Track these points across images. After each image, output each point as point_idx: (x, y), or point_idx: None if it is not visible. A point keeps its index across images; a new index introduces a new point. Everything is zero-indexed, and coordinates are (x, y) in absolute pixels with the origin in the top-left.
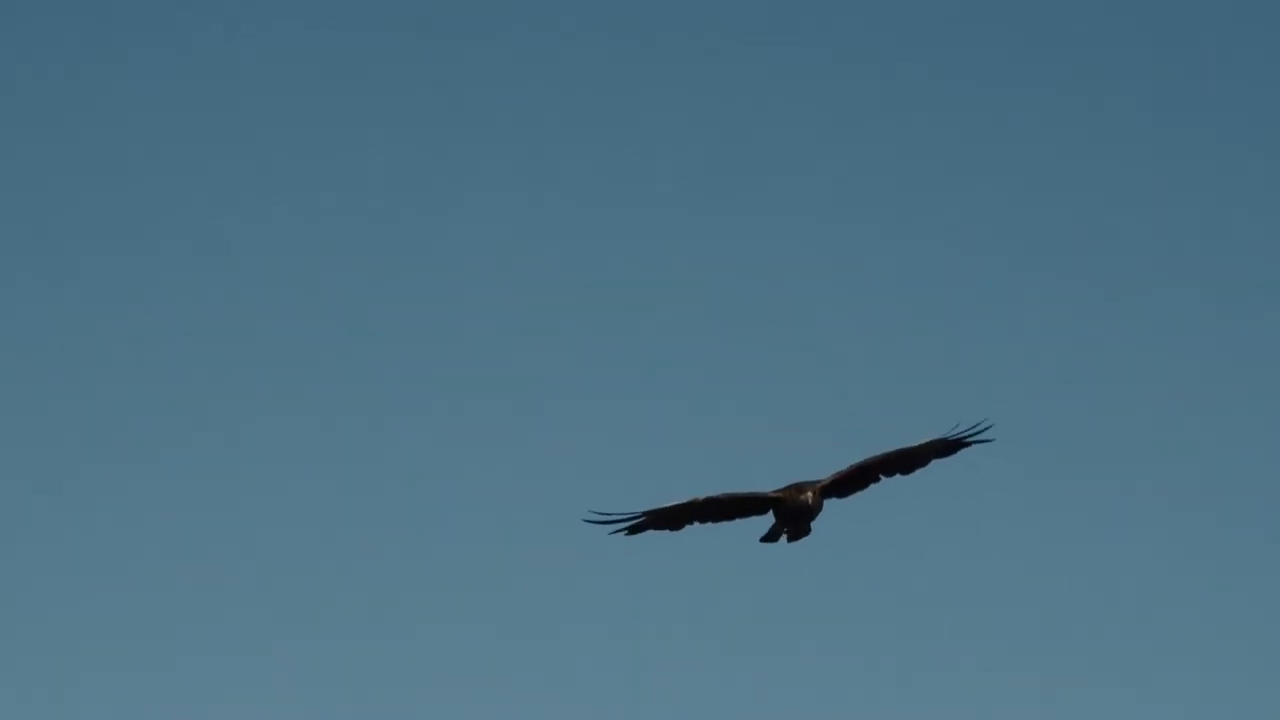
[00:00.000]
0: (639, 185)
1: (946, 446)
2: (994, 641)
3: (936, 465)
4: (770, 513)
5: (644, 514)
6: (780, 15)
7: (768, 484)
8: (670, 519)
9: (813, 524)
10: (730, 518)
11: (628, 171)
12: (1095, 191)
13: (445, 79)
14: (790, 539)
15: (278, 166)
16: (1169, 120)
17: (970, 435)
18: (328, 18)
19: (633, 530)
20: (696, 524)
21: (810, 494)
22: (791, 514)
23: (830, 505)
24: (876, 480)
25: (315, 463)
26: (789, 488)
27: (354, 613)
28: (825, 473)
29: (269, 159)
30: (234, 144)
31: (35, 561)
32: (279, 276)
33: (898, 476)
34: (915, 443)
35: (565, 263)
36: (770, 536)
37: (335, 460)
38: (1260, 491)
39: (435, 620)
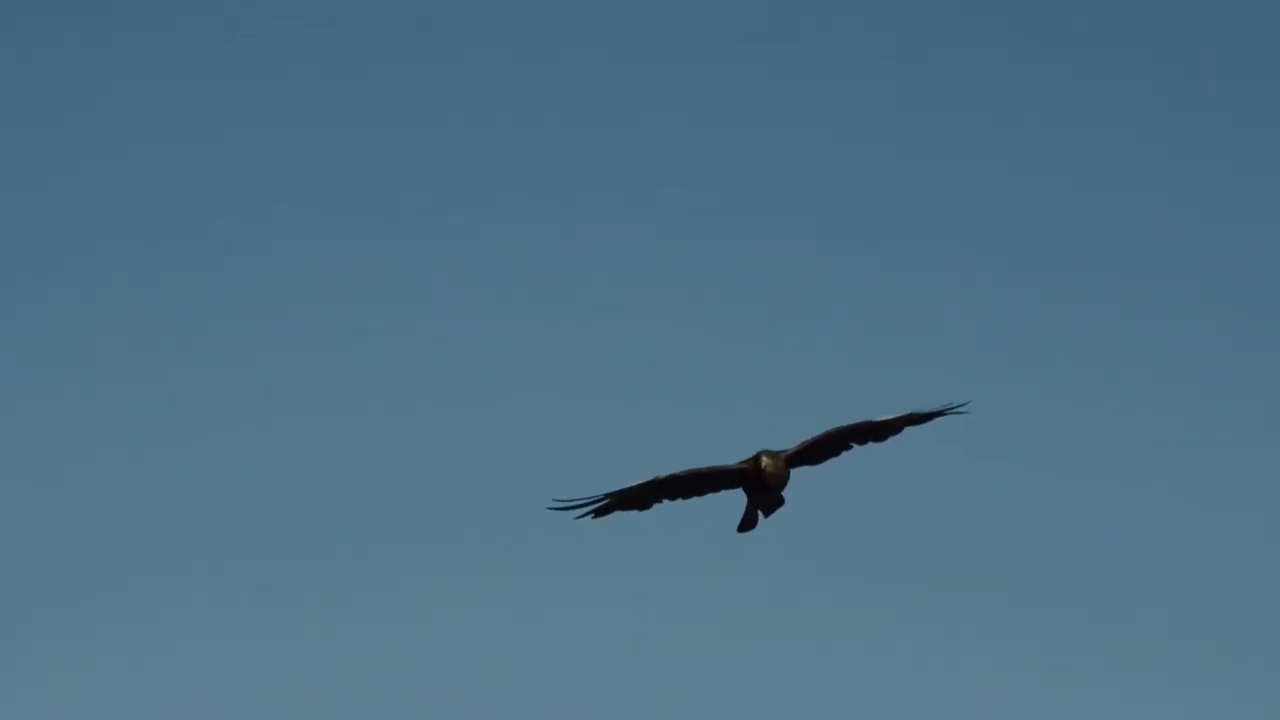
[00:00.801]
0: (639, 185)
1: (918, 419)
2: (992, 640)
3: (936, 462)
4: (740, 491)
5: (607, 496)
6: (780, 15)
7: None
8: (635, 499)
9: (785, 495)
10: (700, 493)
11: (628, 171)
12: (1095, 191)
13: (445, 79)
14: (765, 514)
15: (278, 166)
16: (1168, 120)
17: (947, 408)
18: (328, 18)
19: (599, 513)
20: (665, 502)
21: (771, 461)
22: (757, 484)
23: (829, 501)
24: (848, 448)
25: (315, 462)
26: (752, 458)
27: (352, 612)
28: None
29: (269, 159)
30: (234, 144)
31: (35, 561)
32: (279, 276)
33: (871, 445)
34: (887, 415)
35: (565, 262)
36: (746, 524)
37: (334, 460)
38: (1260, 491)
39: (435, 619)
